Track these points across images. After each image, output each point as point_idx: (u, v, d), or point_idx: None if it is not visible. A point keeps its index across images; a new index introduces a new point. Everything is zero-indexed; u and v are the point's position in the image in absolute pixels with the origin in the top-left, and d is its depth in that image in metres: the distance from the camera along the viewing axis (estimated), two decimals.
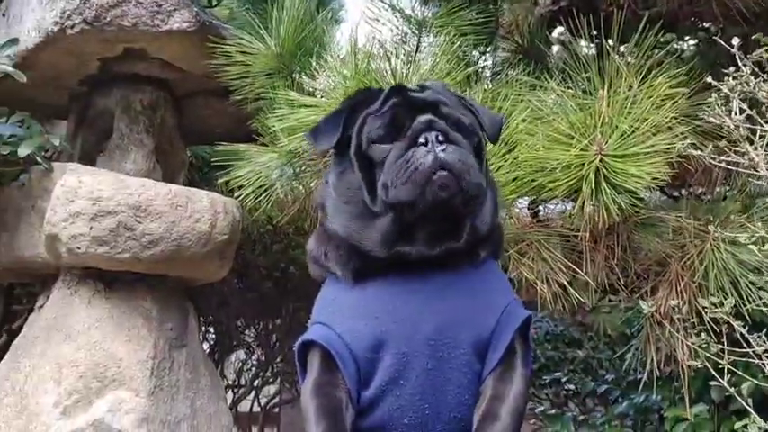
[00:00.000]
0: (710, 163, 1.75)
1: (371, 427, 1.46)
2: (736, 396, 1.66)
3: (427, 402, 1.43)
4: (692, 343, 1.75)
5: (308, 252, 1.64)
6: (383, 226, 1.44)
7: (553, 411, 3.64)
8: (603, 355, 5.54)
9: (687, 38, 3.32)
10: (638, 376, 3.24)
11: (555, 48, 3.51)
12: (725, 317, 1.60)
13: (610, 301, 3.52)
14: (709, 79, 1.69)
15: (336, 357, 1.44)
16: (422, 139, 1.41)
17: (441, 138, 1.40)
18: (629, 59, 2.24)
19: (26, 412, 2.69)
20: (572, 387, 5.19)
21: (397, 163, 1.41)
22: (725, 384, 1.62)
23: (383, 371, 1.43)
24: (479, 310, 1.47)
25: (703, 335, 1.70)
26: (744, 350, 1.58)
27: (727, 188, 2.72)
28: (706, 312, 1.90)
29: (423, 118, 1.44)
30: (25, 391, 2.74)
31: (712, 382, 1.70)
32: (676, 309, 1.89)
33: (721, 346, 1.64)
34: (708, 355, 1.67)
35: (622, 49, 2.28)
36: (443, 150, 1.39)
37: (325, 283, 1.61)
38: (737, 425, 1.97)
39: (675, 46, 3.08)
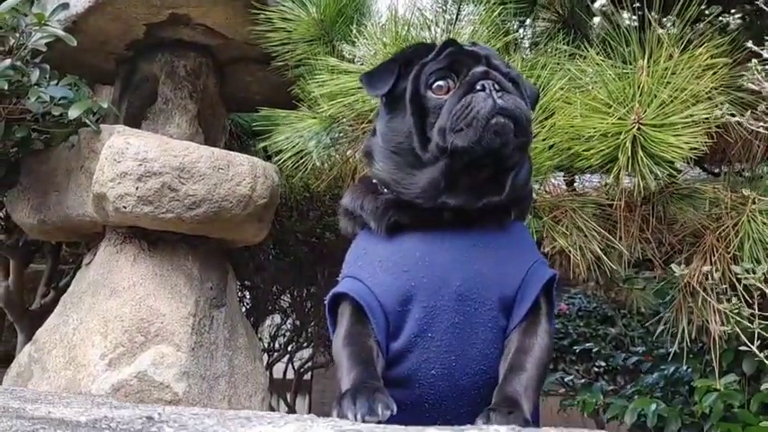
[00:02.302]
0: (750, 130, 1.74)
1: (400, 377, 1.50)
2: (766, 362, 1.67)
3: (454, 355, 1.48)
4: (723, 308, 1.77)
5: (341, 206, 1.68)
6: (432, 174, 1.47)
7: (583, 381, 3.67)
8: (636, 333, 5.54)
9: (733, 11, 3.26)
10: (669, 349, 3.26)
11: (596, 19, 3.47)
12: (757, 283, 1.62)
13: (644, 276, 3.52)
14: (749, 44, 1.68)
15: (366, 309, 1.49)
16: (479, 86, 1.45)
17: (496, 86, 1.45)
18: (671, 30, 2.23)
19: (74, 363, 2.82)
20: (603, 364, 5.21)
21: (457, 107, 1.44)
22: (755, 350, 1.64)
23: (412, 323, 1.48)
24: (506, 268, 1.51)
25: (734, 300, 1.72)
26: None
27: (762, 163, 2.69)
28: (740, 281, 1.91)
29: (480, 67, 1.48)
30: (73, 342, 2.87)
31: (743, 348, 1.71)
32: (708, 276, 1.89)
33: (752, 311, 1.66)
34: (738, 319, 1.68)
35: (664, 20, 2.26)
36: (501, 97, 1.43)
37: (355, 238, 1.65)
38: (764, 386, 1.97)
39: (721, 19, 3.03)
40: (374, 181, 1.59)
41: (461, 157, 1.43)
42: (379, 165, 1.56)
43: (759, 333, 1.64)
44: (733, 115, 1.87)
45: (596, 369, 5.29)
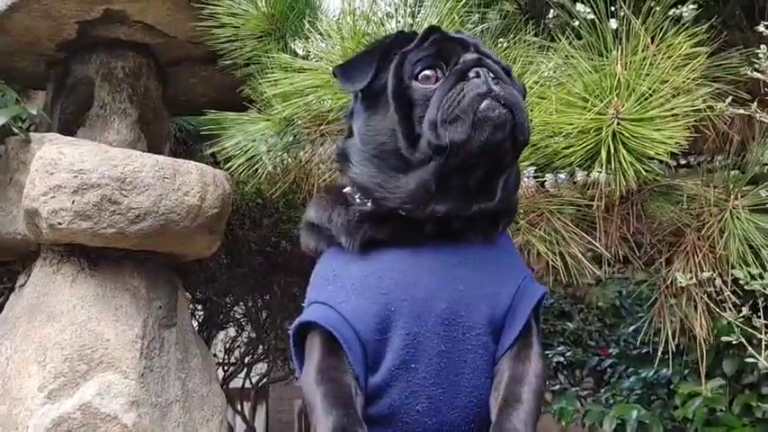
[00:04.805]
0: (727, 121, 1.63)
1: (380, 415, 1.33)
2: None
3: (441, 387, 1.31)
4: (729, 317, 1.65)
5: (304, 221, 1.48)
6: (421, 176, 1.29)
7: (557, 387, 3.57)
8: (593, 327, 5.55)
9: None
10: (643, 350, 3.17)
11: (551, 12, 3.36)
12: (761, 289, 1.50)
13: (615, 275, 3.44)
14: (761, 28, 1.56)
15: (341, 340, 1.30)
16: (472, 74, 1.27)
17: (491, 75, 1.28)
18: (634, 23, 2.11)
19: (9, 397, 2.57)
20: (561, 360, 5.18)
21: (447, 96, 1.26)
22: (762, 361, 1.52)
23: (392, 354, 1.30)
24: (494, 287, 1.35)
25: (744, 309, 1.60)
26: None
27: (739, 157, 2.61)
28: (729, 285, 1.80)
29: (472, 54, 1.31)
30: (7, 374, 2.62)
31: (741, 355, 1.60)
32: (708, 281, 1.77)
33: (764, 321, 1.54)
34: (745, 328, 1.57)
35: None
36: (497, 84, 1.26)
37: (321, 257, 1.46)
38: None
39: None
40: (346, 190, 1.39)
41: (452, 153, 1.26)
42: (356, 169, 1.35)
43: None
44: (736, 103, 1.74)
45: (555, 364, 5.25)
